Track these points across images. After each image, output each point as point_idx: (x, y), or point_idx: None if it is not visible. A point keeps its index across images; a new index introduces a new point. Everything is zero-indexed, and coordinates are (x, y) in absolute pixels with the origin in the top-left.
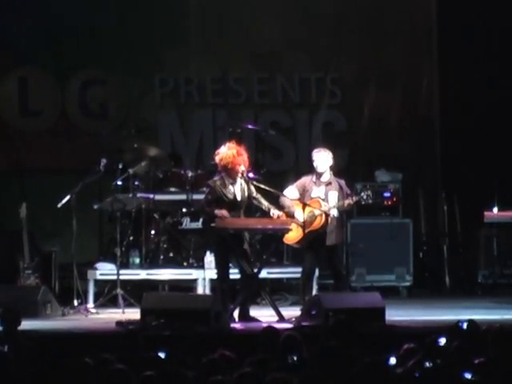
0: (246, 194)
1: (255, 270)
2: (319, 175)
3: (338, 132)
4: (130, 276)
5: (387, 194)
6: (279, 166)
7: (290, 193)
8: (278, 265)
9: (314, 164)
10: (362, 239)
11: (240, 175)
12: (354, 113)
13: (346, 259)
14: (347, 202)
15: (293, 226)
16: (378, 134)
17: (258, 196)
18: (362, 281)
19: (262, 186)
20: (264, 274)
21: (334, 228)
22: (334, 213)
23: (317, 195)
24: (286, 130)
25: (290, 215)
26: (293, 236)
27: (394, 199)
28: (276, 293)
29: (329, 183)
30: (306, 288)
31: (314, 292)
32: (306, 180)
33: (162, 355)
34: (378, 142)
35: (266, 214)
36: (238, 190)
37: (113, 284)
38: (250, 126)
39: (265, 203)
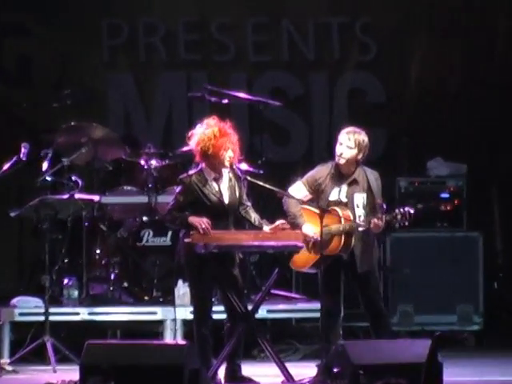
0: (237, 194)
1: (249, 308)
2: (340, 167)
3: (372, 104)
4: (64, 316)
5: (445, 196)
6: (285, 153)
7: (298, 191)
8: (284, 299)
9: (337, 151)
10: (406, 262)
11: (227, 166)
12: (396, 76)
13: (384, 291)
14: (373, 221)
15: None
16: (430, 106)
17: (247, 204)
18: (409, 323)
19: (261, 184)
20: (263, 312)
21: (366, 248)
22: (361, 227)
23: (335, 199)
24: (295, 100)
25: (295, 227)
26: (304, 258)
27: (456, 202)
28: (281, 341)
29: (353, 181)
30: (328, 333)
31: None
32: (320, 172)
33: None
34: (431, 118)
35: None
36: (224, 188)
37: (39, 328)
38: (241, 95)
39: (253, 215)
